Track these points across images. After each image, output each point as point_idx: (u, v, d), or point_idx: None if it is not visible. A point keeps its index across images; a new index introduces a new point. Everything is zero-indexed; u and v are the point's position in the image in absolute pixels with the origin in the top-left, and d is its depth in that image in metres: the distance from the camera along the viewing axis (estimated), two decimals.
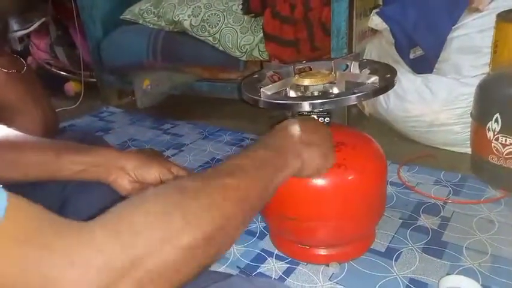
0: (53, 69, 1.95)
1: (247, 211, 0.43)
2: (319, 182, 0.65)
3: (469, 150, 1.01)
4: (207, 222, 0.36)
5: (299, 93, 0.69)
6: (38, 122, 1.09)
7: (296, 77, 0.70)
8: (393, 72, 0.67)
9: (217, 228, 0.37)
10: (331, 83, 0.68)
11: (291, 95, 0.69)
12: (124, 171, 0.62)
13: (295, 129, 0.56)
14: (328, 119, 0.68)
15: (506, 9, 0.94)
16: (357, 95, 0.60)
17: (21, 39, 2.05)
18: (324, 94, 0.67)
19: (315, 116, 0.68)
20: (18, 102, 0.98)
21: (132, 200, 0.36)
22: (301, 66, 0.76)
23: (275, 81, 0.72)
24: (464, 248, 0.73)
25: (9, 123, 0.88)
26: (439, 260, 0.71)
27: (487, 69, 0.98)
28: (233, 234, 0.41)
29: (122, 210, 0.34)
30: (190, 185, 0.39)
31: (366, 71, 0.71)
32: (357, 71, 0.73)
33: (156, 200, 0.36)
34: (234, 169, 0.45)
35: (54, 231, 0.29)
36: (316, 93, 0.68)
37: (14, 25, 1.48)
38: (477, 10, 1.00)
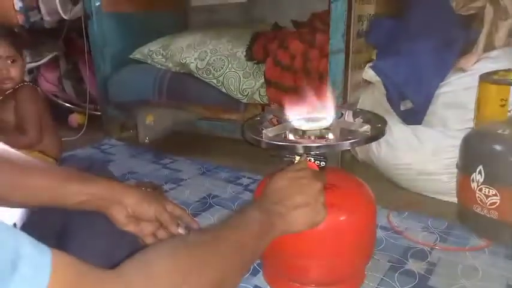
0: (59, 100, 2.02)
1: (245, 263, 0.56)
2: None
3: (455, 199, 1.06)
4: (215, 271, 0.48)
5: (297, 137, 0.75)
6: (52, 148, 1.16)
7: None
8: (384, 122, 0.74)
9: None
10: (327, 129, 0.74)
11: (290, 138, 0.74)
12: (123, 206, 0.65)
13: (283, 192, 0.65)
14: (324, 162, 0.73)
15: (488, 70, 1.03)
16: (350, 141, 0.66)
17: (30, 70, 2.13)
18: (320, 139, 0.73)
19: (312, 159, 0.73)
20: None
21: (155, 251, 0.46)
22: None
23: (275, 124, 0.78)
24: None
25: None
26: None
27: (472, 124, 1.05)
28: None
29: (142, 264, 0.42)
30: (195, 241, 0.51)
31: (359, 119, 0.78)
32: (351, 119, 0.80)
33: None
34: (234, 228, 0.56)
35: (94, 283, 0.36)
36: (312, 138, 0.74)
37: (26, 57, 1.55)
38: (462, 70, 1.09)
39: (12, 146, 0.62)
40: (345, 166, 1.27)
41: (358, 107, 1.21)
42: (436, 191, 1.12)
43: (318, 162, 0.73)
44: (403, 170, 1.15)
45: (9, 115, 1.22)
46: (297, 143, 0.69)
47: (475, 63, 1.09)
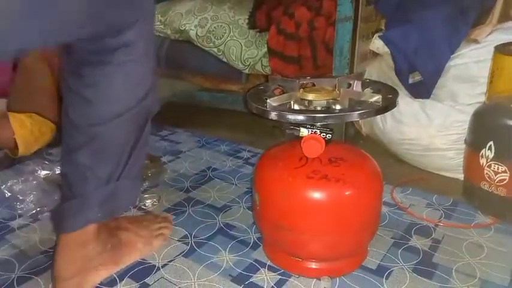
0: None
1: None
2: (316, 195, 0.67)
3: (461, 176, 1.04)
4: None
5: (302, 107, 0.71)
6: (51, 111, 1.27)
7: (301, 91, 0.71)
8: (395, 93, 0.70)
9: None
10: (334, 99, 0.70)
11: (295, 108, 0.70)
12: None
13: None
14: (330, 135, 0.70)
15: (503, 42, 0.98)
16: (359, 112, 0.62)
17: None
18: (327, 109, 0.69)
19: (317, 131, 0.69)
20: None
21: None
22: (305, 82, 0.79)
23: (279, 94, 0.74)
24: (453, 270, 0.74)
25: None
26: (429, 281, 0.72)
27: (482, 99, 1.01)
28: None
29: None
30: None
31: (369, 90, 0.74)
32: (360, 89, 0.76)
33: None
34: None
35: None
36: (319, 108, 0.70)
37: None
38: (475, 41, 1.04)
39: None
40: (348, 140, 1.24)
41: (366, 78, 1.16)
42: (442, 167, 1.09)
43: (324, 134, 0.70)
44: (408, 145, 1.12)
45: None
46: (303, 112, 0.66)
47: (489, 34, 1.04)
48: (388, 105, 0.65)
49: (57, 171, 1.09)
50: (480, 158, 0.90)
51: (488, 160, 0.88)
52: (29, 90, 1.32)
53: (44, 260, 0.78)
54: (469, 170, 0.97)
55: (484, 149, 0.88)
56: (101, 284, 0.72)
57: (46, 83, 1.32)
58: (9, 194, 0.99)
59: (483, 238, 0.84)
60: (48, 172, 1.08)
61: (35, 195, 0.97)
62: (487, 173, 0.89)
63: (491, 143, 0.87)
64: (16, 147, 1.22)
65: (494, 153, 0.86)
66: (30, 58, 1.35)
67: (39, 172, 1.08)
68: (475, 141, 0.93)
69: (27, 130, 1.23)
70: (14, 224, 0.91)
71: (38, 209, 0.94)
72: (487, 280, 0.72)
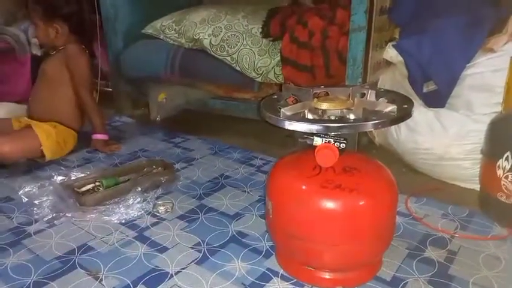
0: None
1: None
2: (330, 204, 0.67)
3: (476, 187, 1.02)
4: None
5: (316, 117, 0.71)
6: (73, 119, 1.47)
7: (315, 101, 0.72)
8: (410, 103, 0.69)
9: None
10: (348, 109, 0.70)
11: (308, 117, 0.71)
12: None
13: None
14: (344, 144, 0.70)
15: None
16: (374, 122, 0.62)
17: (42, 45, 2.10)
18: (341, 119, 0.69)
19: (331, 140, 0.69)
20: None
21: None
22: (318, 91, 0.79)
23: (292, 103, 0.75)
24: (470, 283, 0.73)
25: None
26: None
27: (498, 108, 0.99)
28: None
29: None
30: None
31: (383, 100, 0.73)
32: (374, 99, 0.75)
33: None
34: None
35: None
36: (333, 118, 0.70)
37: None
38: (491, 50, 1.03)
39: None
40: (361, 150, 1.23)
41: (381, 87, 1.16)
42: (457, 177, 1.08)
43: (338, 144, 0.70)
44: (423, 154, 1.11)
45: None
46: (317, 122, 0.66)
47: (505, 43, 1.03)
48: (404, 115, 0.65)
49: (73, 177, 1.11)
50: (497, 168, 0.88)
51: (506, 171, 0.86)
52: (50, 97, 1.36)
53: (59, 266, 0.79)
54: (486, 180, 0.95)
55: (501, 160, 0.87)
56: None
57: (67, 91, 1.35)
58: (26, 199, 1.01)
59: (500, 250, 0.82)
60: (64, 178, 1.10)
61: (51, 201, 0.99)
62: (504, 184, 0.87)
63: (508, 153, 0.85)
64: (42, 155, 1.25)
65: None
66: (49, 63, 1.38)
67: (55, 178, 1.10)
68: (491, 152, 0.92)
69: (53, 141, 1.26)
70: (31, 229, 0.92)
71: (54, 215, 0.96)
72: None
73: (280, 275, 0.76)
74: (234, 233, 0.90)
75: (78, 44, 1.37)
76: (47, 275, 0.76)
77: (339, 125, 0.63)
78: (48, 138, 1.25)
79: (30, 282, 0.75)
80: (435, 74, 1.07)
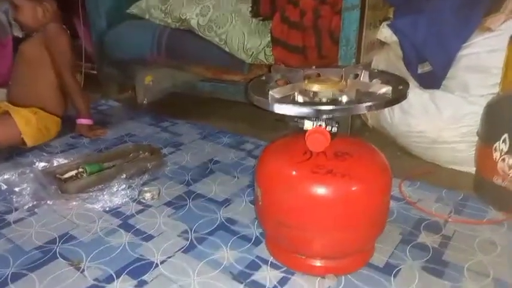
0: None
1: None
2: (321, 190, 0.64)
3: (471, 170, 1.00)
4: None
5: (307, 99, 0.67)
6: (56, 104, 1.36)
7: (305, 82, 0.68)
8: (405, 84, 0.66)
9: None
10: (341, 90, 0.67)
11: (298, 100, 0.67)
12: None
13: None
14: (336, 128, 0.66)
15: None
16: (368, 104, 0.58)
17: (23, 28, 2.02)
18: (333, 101, 0.65)
19: (323, 124, 0.66)
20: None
21: None
22: (310, 72, 0.75)
23: (281, 85, 0.71)
24: (465, 268, 0.71)
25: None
26: (439, 280, 0.69)
27: (495, 90, 0.97)
28: None
29: None
30: None
31: (377, 81, 0.70)
32: (367, 80, 0.72)
33: None
34: None
35: None
36: (324, 100, 0.66)
37: None
38: (489, 29, 1.00)
39: None
40: (354, 133, 1.20)
41: (375, 68, 1.12)
42: (451, 161, 1.06)
43: (330, 127, 0.66)
44: (416, 137, 1.08)
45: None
46: (307, 105, 0.62)
47: (503, 22, 0.99)
48: (399, 97, 0.61)
49: (55, 163, 1.07)
50: (493, 151, 0.86)
51: (502, 153, 0.84)
52: (30, 81, 1.30)
53: (39, 256, 0.76)
54: (481, 163, 0.93)
55: (497, 142, 0.85)
56: (98, 280, 0.69)
57: (48, 74, 1.29)
58: (5, 186, 0.97)
59: (496, 235, 0.80)
60: (46, 164, 1.06)
61: (31, 188, 0.95)
62: (500, 167, 0.85)
63: (505, 135, 0.83)
64: (23, 143, 1.20)
65: (509, 146, 0.82)
66: (28, 45, 1.31)
67: (36, 164, 1.05)
68: (488, 134, 0.89)
69: (33, 127, 1.21)
70: (10, 217, 0.88)
71: (35, 203, 0.92)
72: (500, 279, 0.69)
73: (270, 262, 0.74)
74: (223, 220, 0.87)
75: (58, 24, 1.30)
76: (26, 265, 0.73)
77: (331, 107, 0.60)
78: (28, 124, 1.20)
79: (8, 274, 0.71)
80: (430, 55, 1.03)
